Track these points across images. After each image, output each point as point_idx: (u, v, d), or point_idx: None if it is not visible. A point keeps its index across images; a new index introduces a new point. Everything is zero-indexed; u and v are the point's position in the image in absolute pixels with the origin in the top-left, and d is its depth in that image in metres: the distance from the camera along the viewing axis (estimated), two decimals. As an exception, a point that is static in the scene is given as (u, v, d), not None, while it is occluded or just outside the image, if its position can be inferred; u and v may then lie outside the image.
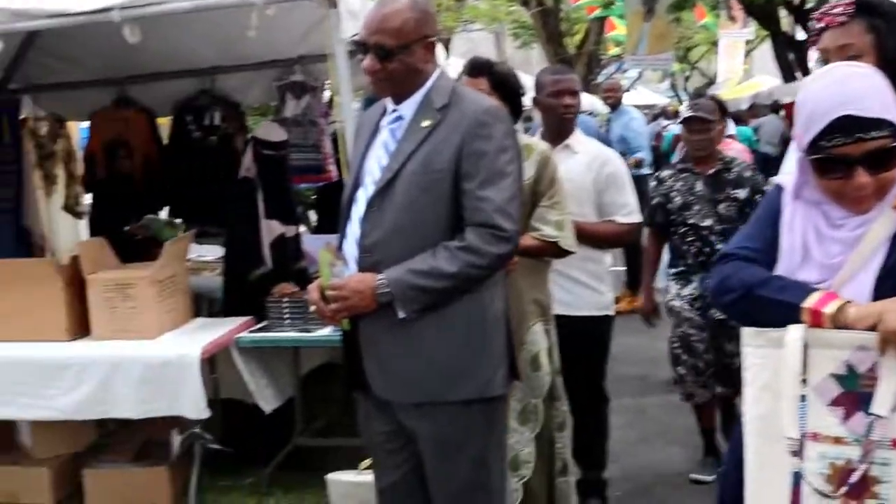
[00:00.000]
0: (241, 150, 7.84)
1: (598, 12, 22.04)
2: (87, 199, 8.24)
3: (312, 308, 3.48)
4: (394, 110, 3.40)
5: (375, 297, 3.22)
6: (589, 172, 4.99)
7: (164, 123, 8.51)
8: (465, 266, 3.19)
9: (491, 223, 3.21)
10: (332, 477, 4.95)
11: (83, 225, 8.35)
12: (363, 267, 3.30)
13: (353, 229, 3.36)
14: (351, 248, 3.35)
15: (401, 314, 3.22)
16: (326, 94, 8.00)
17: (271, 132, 6.34)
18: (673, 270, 5.86)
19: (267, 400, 5.71)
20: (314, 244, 6.99)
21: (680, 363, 5.75)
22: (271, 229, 6.22)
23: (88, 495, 5.58)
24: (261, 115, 9.71)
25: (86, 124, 8.63)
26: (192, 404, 5.20)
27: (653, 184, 5.98)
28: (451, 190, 3.24)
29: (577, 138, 5.09)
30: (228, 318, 5.88)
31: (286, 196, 6.42)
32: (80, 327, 5.55)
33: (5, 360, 5.34)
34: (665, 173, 5.90)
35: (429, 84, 3.35)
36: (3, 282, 5.52)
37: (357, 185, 3.40)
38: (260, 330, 5.70)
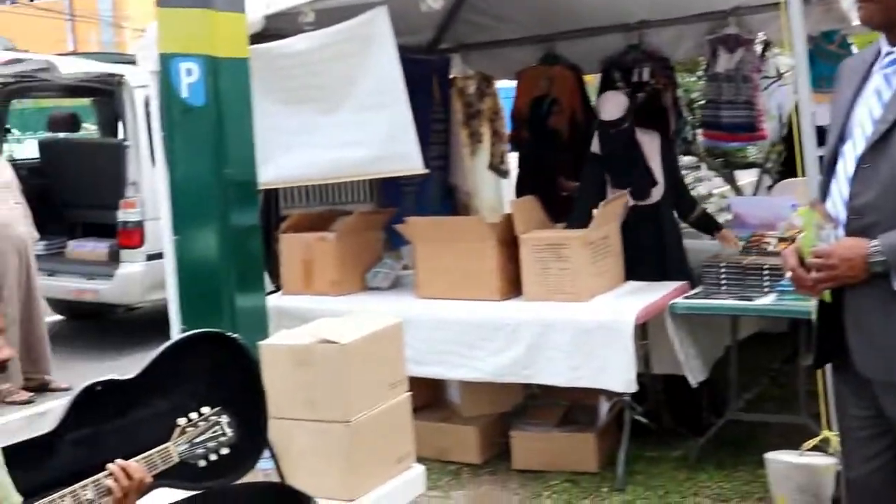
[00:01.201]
0: (669, 107, 7.57)
1: None
2: (512, 158, 8.22)
3: (788, 275, 3.08)
4: (889, 52, 2.93)
5: (866, 267, 2.79)
6: None
7: (591, 81, 8.32)
8: None
9: None
10: (772, 456, 4.59)
11: (506, 184, 8.34)
12: (851, 231, 2.87)
13: (840, 188, 2.93)
14: (836, 209, 2.93)
15: (896, 285, 2.78)
16: (758, 49, 7.49)
17: (609, 109, 5.91)
18: None
19: (694, 372, 5.36)
20: (748, 206, 6.56)
21: None
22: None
23: (515, 457, 5.51)
24: (688, 70, 9.31)
25: (510, 83, 8.61)
26: (621, 376, 4.98)
27: None
28: None
29: None
30: (661, 283, 5.58)
31: (636, 170, 5.98)
32: (512, 288, 5.46)
33: (438, 319, 5.34)
34: None
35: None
36: (437, 239, 5.54)
37: (842, 138, 2.97)
38: (695, 297, 5.35)
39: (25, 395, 7.41)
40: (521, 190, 7.70)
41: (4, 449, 2.89)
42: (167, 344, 3.39)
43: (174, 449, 2.71)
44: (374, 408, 3.80)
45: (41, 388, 7.55)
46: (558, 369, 5.11)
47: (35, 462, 3.13)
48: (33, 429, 3.32)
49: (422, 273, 5.62)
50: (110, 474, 2.59)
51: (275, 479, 3.66)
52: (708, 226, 6.23)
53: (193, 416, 2.77)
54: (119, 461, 2.60)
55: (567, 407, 5.73)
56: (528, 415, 5.77)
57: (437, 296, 5.51)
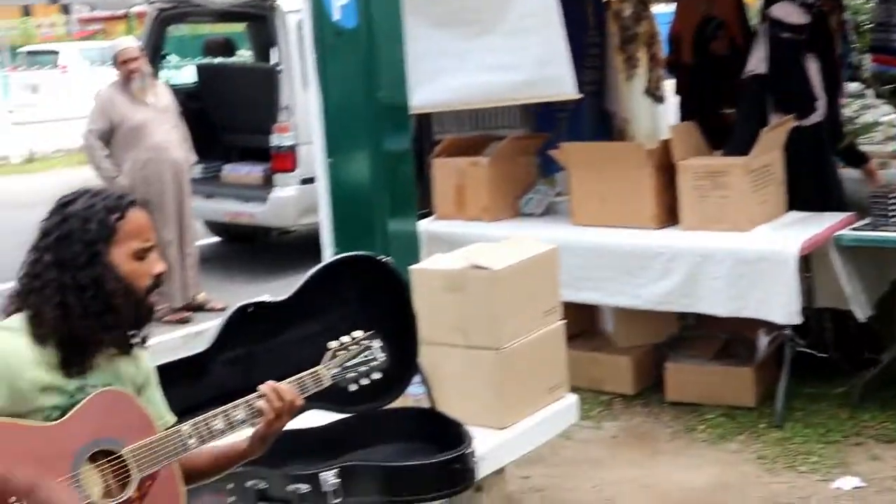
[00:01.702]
0: (835, 30, 7.20)
1: None
2: (669, 83, 7.98)
3: None
4: None
5: None
6: None
7: (752, 3, 7.98)
8: None
9: None
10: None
11: (661, 110, 8.10)
12: None
13: None
14: None
15: None
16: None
17: (790, 13, 5.59)
18: None
19: (861, 306, 5.12)
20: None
21: None
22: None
23: (669, 388, 5.40)
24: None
25: (667, 7, 8.34)
26: (784, 308, 4.80)
27: None
28: None
29: None
30: (826, 213, 5.32)
31: (800, 87, 5.64)
32: (668, 216, 5.30)
33: (594, 245, 5.24)
34: None
35: None
36: (592, 165, 5.41)
37: None
38: (862, 228, 5.08)
39: (181, 315, 7.59)
40: (683, 116, 7.48)
41: (161, 367, 2.92)
42: (318, 267, 3.38)
43: (325, 372, 2.67)
44: (526, 335, 3.72)
45: (197, 307, 7.72)
46: (718, 299, 4.96)
47: (188, 381, 3.17)
48: (189, 348, 3.36)
49: (576, 199, 5.50)
50: (262, 395, 2.57)
51: (425, 404, 3.62)
52: (855, 157, 5.92)
53: (345, 339, 2.73)
54: (271, 382, 2.58)
55: (724, 340, 5.58)
56: (683, 346, 5.64)
57: (592, 223, 5.39)
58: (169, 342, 6.82)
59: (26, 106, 23.21)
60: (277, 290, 3.36)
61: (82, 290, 2.38)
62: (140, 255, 2.47)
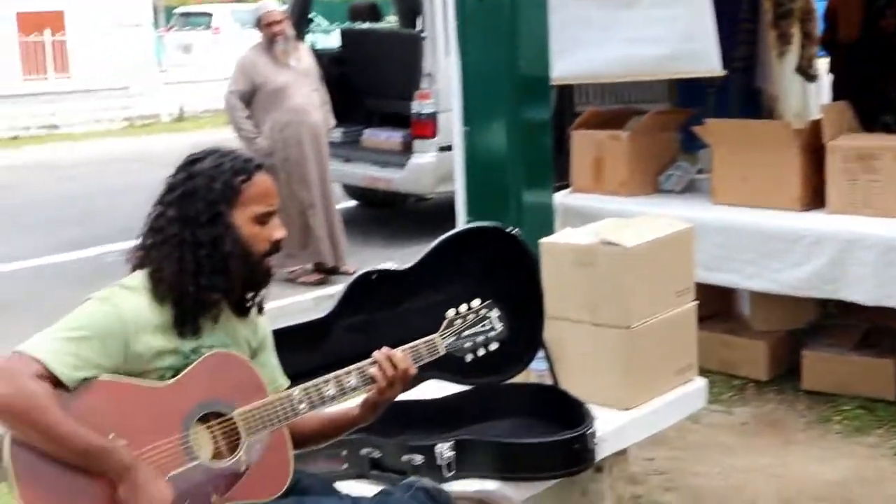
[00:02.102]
0: None
1: None
2: (822, 62, 7.67)
3: None
4: None
5: None
6: None
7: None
8: None
9: None
10: None
11: (813, 89, 7.80)
12: None
13: None
14: None
15: None
16: None
17: None
18: None
19: None
20: None
21: None
22: None
23: (805, 376, 5.21)
24: None
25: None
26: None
27: None
28: None
29: None
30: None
31: None
32: (814, 198, 5.09)
33: (734, 226, 5.06)
34: None
35: None
36: (737, 143, 5.23)
37: None
38: None
39: (316, 277, 7.66)
40: (836, 96, 7.18)
41: (280, 331, 2.92)
42: (445, 236, 3.33)
43: (440, 341, 2.63)
44: (657, 315, 3.60)
45: (332, 271, 7.77)
46: (863, 287, 4.73)
47: (308, 346, 3.16)
48: (321, 310, 3.35)
49: (718, 178, 5.33)
50: (375, 362, 2.53)
51: (547, 381, 3.54)
52: None
53: (463, 308, 2.68)
54: (385, 349, 2.55)
55: (866, 329, 5.35)
56: (822, 334, 5.44)
57: (733, 202, 5.22)
58: (301, 303, 6.89)
59: (178, 66, 23.88)
60: (412, 256, 3.32)
61: (199, 248, 2.38)
62: (261, 220, 2.46)
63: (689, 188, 5.74)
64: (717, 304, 5.43)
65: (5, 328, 6.62)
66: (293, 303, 6.86)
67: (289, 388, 2.60)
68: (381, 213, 10.31)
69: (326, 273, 7.74)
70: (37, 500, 2.17)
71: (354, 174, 9.29)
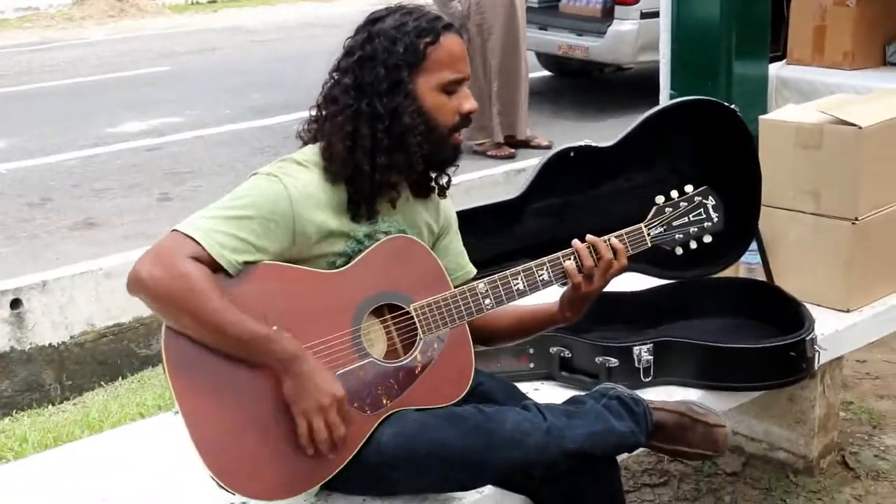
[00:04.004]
0: None
1: None
2: None
3: None
4: None
5: None
6: None
7: None
8: None
9: None
10: None
11: None
12: None
13: None
14: None
15: None
16: None
17: None
18: None
19: None
20: None
21: None
22: None
23: None
24: None
25: None
26: None
27: None
28: None
29: None
30: None
31: None
32: None
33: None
34: None
35: None
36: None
37: None
38: None
39: (507, 151, 7.36)
40: None
41: (466, 212, 2.65)
42: (654, 110, 2.97)
43: (647, 231, 2.30)
44: (888, 206, 3.17)
45: (522, 143, 7.46)
46: None
47: (497, 230, 2.89)
48: (511, 184, 3.05)
49: (957, 50, 4.76)
50: (573, 253, 2.23)
51: (760, 276, 3.18)
52: None
53: (675, 194, 2.33)
54: (589, 237, 2.23)
55: None
56: None
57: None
58: (491, 177, 6.63)
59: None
60: (607, 131, 2.99)
61: (376, 120, 2.10)
62: (449, 89, 2.15)
63: (922, 61, 5.19)
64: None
65: (197, 193, 6.65)
66: (482, 177, 6.59)
67: (476, 276, 2.34)
68: (575, 83, 9.88)
69: (517, 146, 7.44)
70: (190, 394, 1.99)
71: (550, 42, 8.86)
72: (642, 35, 7.97)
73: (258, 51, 12.73)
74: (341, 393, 2.01)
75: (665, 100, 4.76)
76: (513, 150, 7.37)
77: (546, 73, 10.06)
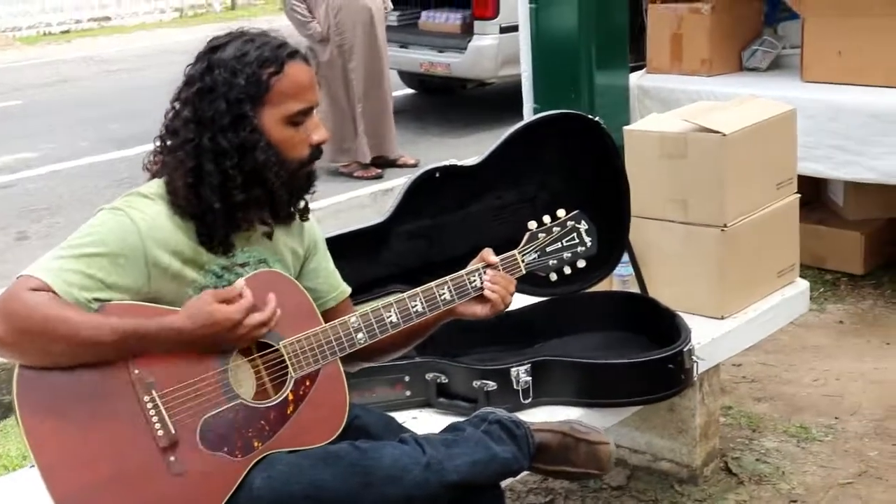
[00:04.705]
0: None
1: None
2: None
3: None
4: None
5: None
6: None
7: None
8: None
9: None
10: None
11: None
12: None
13: None
14: None
15: None
16: None
17: None
18: None
19: None
20: None
21: None
22: None
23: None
24: None
25: None
26: None
27: None
28: None
29: None
30: None
31: None
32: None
33: (827, 106, 4.54)
34: None
35: None
36: (833, 13, 4.70)
37: None
38: None
39: (374, 171, 7.29)
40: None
41: (333, 239, 2.55)
42: (518, 126, 2.92)
43: (521, 258, 2.24)
44: (755, 211, 3.19)
45: (389, 164, 7.40)
46: None
47: (366, 253, 2.81)
48: (379, 205, 2.98)
49: (810, 53, 4.81)
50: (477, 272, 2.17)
51: (633, 288, 3.16)
52: None
53: (546, 219, 2.28)
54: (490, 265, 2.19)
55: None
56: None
57: (826, 80, 4.71)
58: (358, 199, 6.55)
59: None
60: (474, 147, 2.93)
61: (223, 157, 1.98)
62: (296, 120, 2.03)
63: (776, 65, 5.27)
64: (804, 192, 4.95)
65: (54, 230, 6.41)
66: (349, 199, 6.51)
67: (349, 297, 2.26)
68: (439, 100, 9.87)
69: (383, 166, 7.37)
70: (43, 443, 1.87)
71: (411, 60, 8.84)
72: (503, 49, 7.99)
73: (115, 80, 12.41)
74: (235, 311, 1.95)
75: (529, 114, 4.75)
76: (380, 171, 7.30)
77: (409, 90, 10.03)
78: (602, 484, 3.36)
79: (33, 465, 1.86)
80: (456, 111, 9.39)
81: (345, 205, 6.31)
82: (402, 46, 8.66)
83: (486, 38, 8.25)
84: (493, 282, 2.19)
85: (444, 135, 8.43)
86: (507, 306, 2.22)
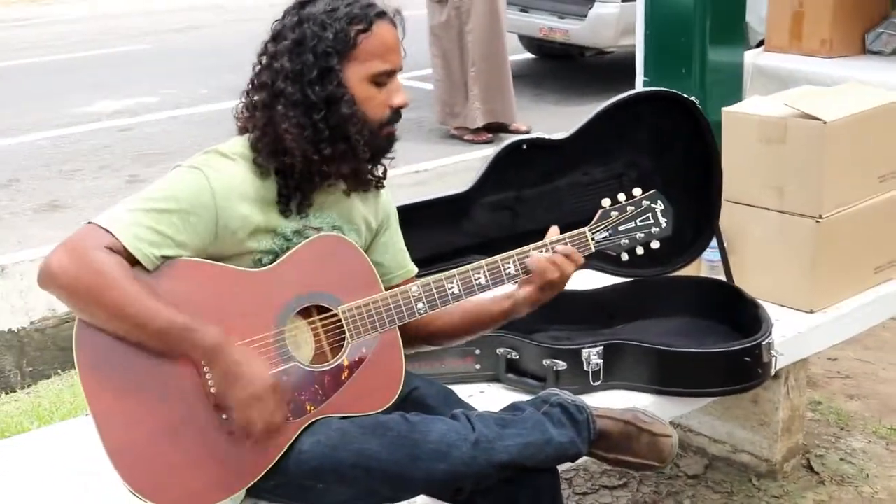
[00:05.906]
0: None
1: None
2: None
3: None
4: None
5: None
6: None
7: None
8: None
9: None
10: None
11: None
12: None
13: None
14: None
15: None
16: None
17: None
18: None
19: None
20: None
21: None
22: None
23: None
24: None
25: None
26: None
27: None
28: None
29: None
30: None
31: None
32: None
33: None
34: None
35: None
36: None
37: None
38: None
39: (485, 136, 7.24)
40: None
41: (413, 206, 2.54)
42: (609, 102, 2.85)
43: (591, 235, 2.18)
44: (854, 203, 3.07)
45: (501, 128, 7.34)
46: None
47: (448, 222, 2.79)
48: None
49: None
50: (512, 258, 2.12)
51: (720, 275, 3.07)
52: None
53: (622, 197, 2.21)
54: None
55: None
56: None
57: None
58: (467, 162, 6.52)
59: None
60: (587, 115, 2.85)
61: (311, 109, 1.98)
62: (379, 80, 2.03)
63: (902, 50, 5.07)
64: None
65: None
66: (456, 162, 6.48)
67: (423, 273, 2.23)
68: (558, 66, 9.75)
69: (496, 131, 7.31)
70: (101, 395, 1.88)
71: (531, 25, 8.75)
72: (624, 18, 7.85)
73: (244, 30, 12.53)
74: (271, 383, 1.92)
75: (640, 86, 4.64)
76: (490, 136, 7.25)
77: (528, 55, 9.93)
78: (678, 471, 3.31)
79: (88, 414, 1.89)
80: (574, 78, 9.27)
81: (451, 168, 6.28)
82: (522, 10, 8.58)
83: (607, 6, 8.13)
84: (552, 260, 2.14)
85: (560, 102, 8.34)
86: (564, 284, 2.16)
